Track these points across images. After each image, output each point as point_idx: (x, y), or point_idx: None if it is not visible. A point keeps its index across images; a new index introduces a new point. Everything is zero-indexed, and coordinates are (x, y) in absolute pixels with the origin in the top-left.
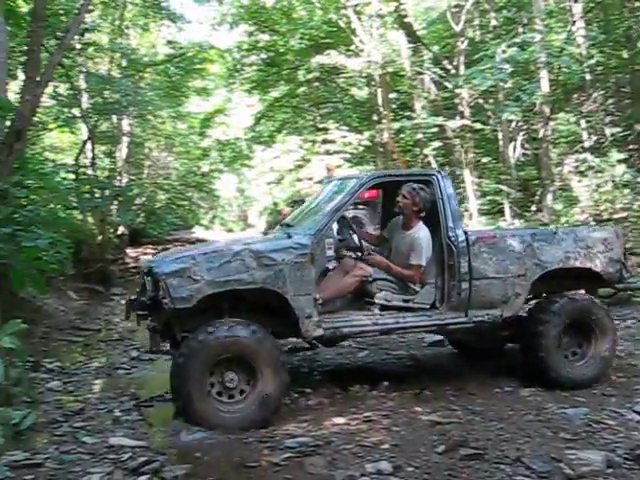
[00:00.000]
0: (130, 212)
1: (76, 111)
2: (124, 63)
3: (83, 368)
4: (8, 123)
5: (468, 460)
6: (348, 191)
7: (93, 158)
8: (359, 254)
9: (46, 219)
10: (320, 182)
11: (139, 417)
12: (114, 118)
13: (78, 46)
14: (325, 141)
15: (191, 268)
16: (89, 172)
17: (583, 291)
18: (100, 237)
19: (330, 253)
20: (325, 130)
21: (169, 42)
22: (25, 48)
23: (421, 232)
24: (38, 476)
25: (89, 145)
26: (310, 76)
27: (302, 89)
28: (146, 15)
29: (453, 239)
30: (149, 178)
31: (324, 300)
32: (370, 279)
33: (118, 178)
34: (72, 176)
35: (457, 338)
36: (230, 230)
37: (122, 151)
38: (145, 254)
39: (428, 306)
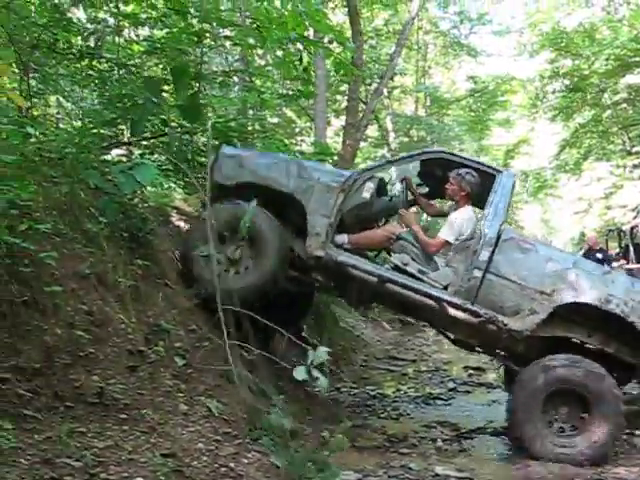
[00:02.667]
0: None
1: (385, 150)
2: (428, 102)
3: (403, 397)
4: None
5: None
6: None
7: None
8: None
9: None
10: (637, 209)
11: (461, 448)
12: None
13: (385, 91)
14: (638, 166)
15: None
16: None
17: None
18: None
19: (366, 195)
20: (637, 154)
21: (470, 77)
22: (334, 96)
23: (461, 212)
24: None
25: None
26: (617, 98)
27: (608, 112)
28: (446, 54)
29: (486, 227)
30: None
31: (353, 244)
32: (394, 237)
33: None
34: None
35: None
36: None
37: None
38: None
39: (441, 286)
